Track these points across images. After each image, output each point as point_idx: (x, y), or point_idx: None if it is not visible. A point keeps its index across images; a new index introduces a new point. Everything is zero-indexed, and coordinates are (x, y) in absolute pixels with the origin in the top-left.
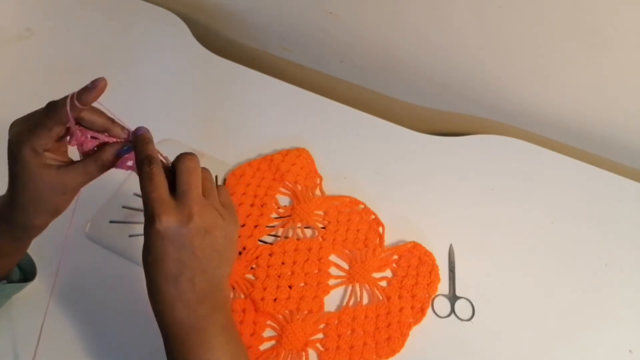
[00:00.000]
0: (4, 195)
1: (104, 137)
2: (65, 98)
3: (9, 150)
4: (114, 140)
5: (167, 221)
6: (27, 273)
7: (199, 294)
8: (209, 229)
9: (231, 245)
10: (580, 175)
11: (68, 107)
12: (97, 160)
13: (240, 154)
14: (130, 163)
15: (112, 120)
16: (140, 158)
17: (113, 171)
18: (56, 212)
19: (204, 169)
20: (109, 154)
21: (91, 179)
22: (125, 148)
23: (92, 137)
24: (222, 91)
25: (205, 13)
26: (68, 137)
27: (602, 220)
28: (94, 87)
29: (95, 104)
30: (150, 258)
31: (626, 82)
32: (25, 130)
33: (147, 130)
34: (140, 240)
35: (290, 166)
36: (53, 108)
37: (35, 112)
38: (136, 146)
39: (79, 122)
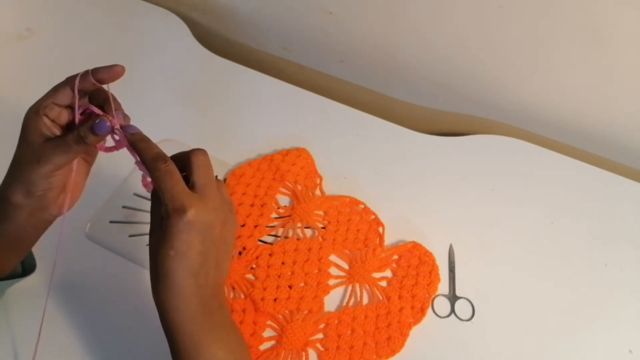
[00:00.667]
0: None
1: (92, 107)
2: (80, 72)
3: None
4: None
5: (196, 212)
6: (26, 266)
7: (212, 288)
8: (224, 221)
9: (234, 240)
10: (580, 175)
11: (79, 76)
12: (74, 134)
13: (240, 154)
14: (110, 144)
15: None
16: (151, 156)
17: (114, 171)
18: (28, 188)
19: (210, 162)
20: (85, 127)
21: (67, 154)
22: (97, 121)
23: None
24: (222, 91)
25: (205, 13)
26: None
27: (602, 220)
28: (111, 68)
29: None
30: (173, 252)
31: (626, 82)
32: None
33: (139, 131)
34: (140, 240)
35: (290, 166)
36: (70, 77)
37: None
38: (137, 145)
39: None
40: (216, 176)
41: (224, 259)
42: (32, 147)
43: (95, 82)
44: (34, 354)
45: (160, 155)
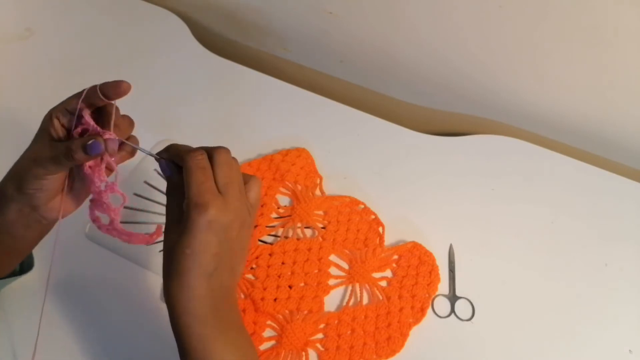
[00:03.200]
0: None
1: (92, 123)
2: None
3: None
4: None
5: (217, 213)
6: (24, 265)
7: (224, 291)
8: (242, 224)
9: (249, 243)
10: (580, 175)
11: (86, 90)
12: (67, 145)
13: (240, 154)
14: (90, 165)
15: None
16: (185, 149)
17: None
18: (20, 184)
19: (235, 161)
20: (76, 142)
21: (56, 164)
22: (92, 142)
23: (85, 130)
24: (222, 91)
25: (205, 13)
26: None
27: (602, 220)
28: (117, 85)
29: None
30: (189, 250)
31: (626, 82)
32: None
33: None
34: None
35: (290, 166)
36: (85, 89)
37: None
38: (170, 148)
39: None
40: (252, 176)
41: (238, 262)
42: (36, 146)
43: (103, 98)
44: (33, 353)
45: (195, 149)
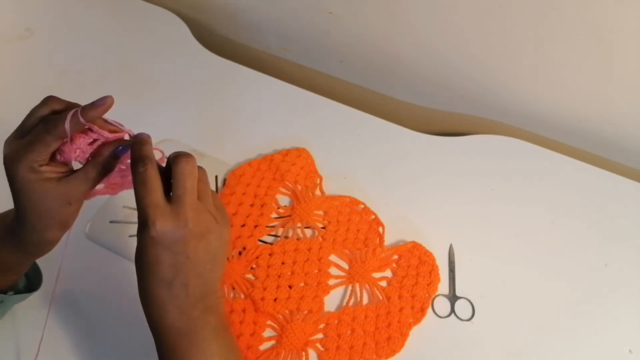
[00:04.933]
0: (12, 210)
1: (105, 134)
2: (67, 113)
3: (6, 169)
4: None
5: (162, 227)
6: (31, 279)
7: (192, 297)
8: (204, 233)
9: (224, 248)
10: (580, 175)
11: (67, 123)
12: (96, 164)
13: (240, 154)
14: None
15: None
16: (135, 158)
17: None
18: (65, 224)
19: (200, 169)
20: (105, 153)
21: (94, 185)
22: (120, 147)
23: (90, 144)
24: (222, 91)
25: (205, 13)
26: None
27: (602, 220)
28: (101, 105)
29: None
30: (142, 262)
31: (626, 82)
32: (21, 147)
33: (148, 135)
34: None
35: (290, 166)
36: (53, 124)
37: (29, 126)
38: (132, 147)
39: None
40: (216, 179)
41: (208, 269)
42: (52, 196)
43: (85, 123)
44: (36, 354)
45: (142, 158)
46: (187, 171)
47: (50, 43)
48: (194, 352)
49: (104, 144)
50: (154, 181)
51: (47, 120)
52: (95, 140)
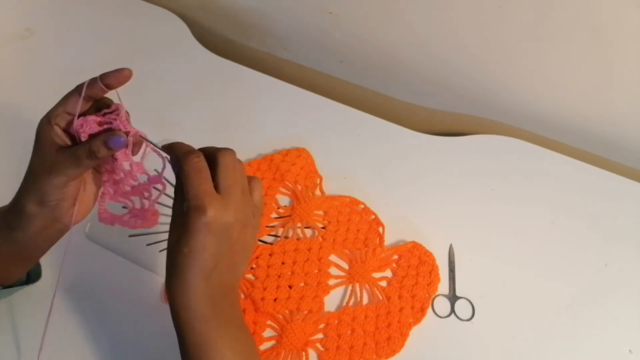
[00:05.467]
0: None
1: (115, 118)
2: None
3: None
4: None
5: (215, 215)
6: (31, 273)
7: (225, 289)
8: (245, 225)
9: (255, 243)
10: (580, 175)
11: (86, 85)
12: (86, 144)
13: (240, 154)
14: (124, 164)
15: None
16: (184, 149)
17: None
18: (42, 198)
19: (240, 163)
20: (98, 141)
21: (78, 167)
22: (115, 138)
23: (100, 124)
24: (222, 91)
25: (205, 13)
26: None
27: (602, 220)
28: (118, 72)
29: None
30: (187, 250)
31: (626, 82)
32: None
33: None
34: (141, 240)
35: (290, 166)
36: (80, 85)
37: None
38: (174, 144)
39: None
40: (253, 177)
41: (240, 262)
42: (44, 157)
43: (104, 87)
44: (38, 354)
45: (193, 151)
46: (234, 163)
47: (50, 43)
48: (223, 345)
49: (107, 131)
50: (206, 171)
51: (78, 85)
52: (104, 126)
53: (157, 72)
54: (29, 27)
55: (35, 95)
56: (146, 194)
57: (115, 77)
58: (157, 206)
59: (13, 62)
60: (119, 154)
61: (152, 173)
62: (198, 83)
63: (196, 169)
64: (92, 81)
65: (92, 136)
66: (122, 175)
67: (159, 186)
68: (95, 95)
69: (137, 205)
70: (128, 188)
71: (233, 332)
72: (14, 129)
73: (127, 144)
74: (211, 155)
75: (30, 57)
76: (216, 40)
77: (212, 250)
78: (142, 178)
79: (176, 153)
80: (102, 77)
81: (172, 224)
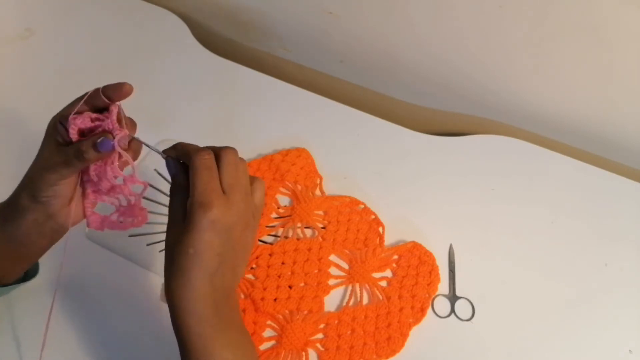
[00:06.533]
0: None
1: (107, 118)
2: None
3: None
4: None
5: (220, 213)
6: (28, 270)
7: (226, 291)
8: (246, 226)
9: (253, 245)
10: (580, 175)
11: (88, 94)
12: (75, 146)
13: (240, 154)
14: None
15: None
16: (193, 148)
17: None
18: (34, 193)
19: (242, 162)
20: (87, 142)
21: (68, 167)
22: (102, 140)
23: (92, 122)
24: (222, 91)
25: (205, 13)
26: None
27: (602, 220)
28: (119, 87)
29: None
30: (192, 250)
31: (626, 82)
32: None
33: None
34: (140, 240)
35: (290, 166)
36: (87, 92)
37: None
38: (177, 146)
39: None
40: (256, 177)
41: (240, 263)
42: (44, 154)
43: (105, 100)
44: (40, 353)
45: (203, 149)
46: (238, 163)
47: (50, 43)
48: (224, 349)
49: (97, 130)
50: (216, 170)
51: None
52: (96, 123)
53: (157, 72)
54: (29, 27)
55: (35, 95)
56: (130, 191)
57: (115, 91)
58: (154, 206)
59: (13, 62)
60: (108, 158)
61: (152, 173)
62: (198, 83)
63: (206, 166)
64: (95, 92)
65: (85, 134)
66: (109, 174)
67: (140, 186)
68: (97, 105)
69: (124, 203)
70: (109, 185)
71: (234, 335)
72: (14, 129)
73: (115, 147)
74: (214, 154)
75: (30, 57)
76: (216, 40)
77: (216, 250)
78: (128, 171)
79: (186, 150)
80: (104, 89)
81: (170, 223)
